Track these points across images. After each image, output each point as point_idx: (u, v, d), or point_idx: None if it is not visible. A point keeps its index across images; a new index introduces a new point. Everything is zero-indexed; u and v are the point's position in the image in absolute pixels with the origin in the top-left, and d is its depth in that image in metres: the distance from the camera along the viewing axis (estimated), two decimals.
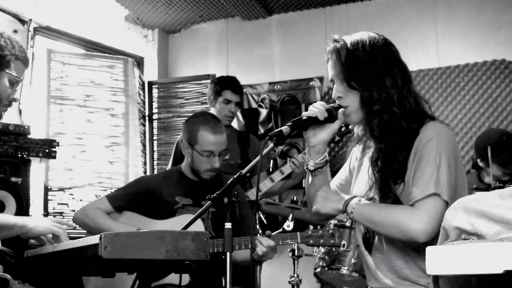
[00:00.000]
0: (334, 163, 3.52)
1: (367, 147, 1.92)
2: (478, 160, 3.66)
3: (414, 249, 1.74)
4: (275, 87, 5.15)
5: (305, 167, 1.90)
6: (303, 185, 3.99)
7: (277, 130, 1.71)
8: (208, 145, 2.84)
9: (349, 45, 1.79)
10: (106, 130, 4.87)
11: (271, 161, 4.42)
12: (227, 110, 3.80)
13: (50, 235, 2.16)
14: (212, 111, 3.84)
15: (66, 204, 4.54)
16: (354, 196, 1.81)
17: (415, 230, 1.63)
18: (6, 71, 2.08)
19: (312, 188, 1.91)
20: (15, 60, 2.10)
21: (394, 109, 1.74)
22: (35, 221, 2.16)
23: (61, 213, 4.49)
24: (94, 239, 1.67)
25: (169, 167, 3.76)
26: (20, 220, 2.13)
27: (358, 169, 1.94)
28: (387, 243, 1.80)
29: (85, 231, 2.89)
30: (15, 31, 4.10)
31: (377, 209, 1.74)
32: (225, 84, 3.84)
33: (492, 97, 4.41)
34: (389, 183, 1.74)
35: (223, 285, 1.88)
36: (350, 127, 1.98)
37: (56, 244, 2.11)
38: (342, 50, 1.79)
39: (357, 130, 1.92)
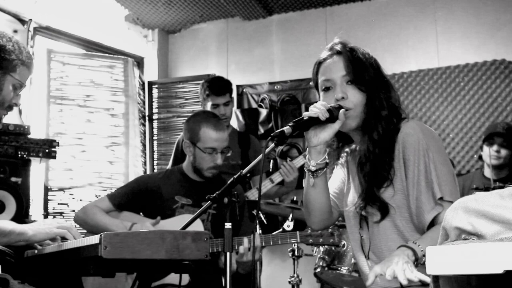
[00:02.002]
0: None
1: (349, 163, 1.97)
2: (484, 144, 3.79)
3: None
4: (275, 87, 5.15)
5: (305, 169, 1.90)
6: (303, 185, 4.01)
7: (278, 130, 1.71)
8: (210, 142, 2.84)
9: (357, 49, 1.86)
10: (106, 130, 4.87)
11: (271, 161, 4.41)
12: (217, 113, 3.76)
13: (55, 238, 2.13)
14: None
15: (66, 204, 4.54)
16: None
17: None
18: (11, 75, 2.07)
19: (313, 190, 1.91)
20: (21, 65, 2.09)
21: (393, 119, 1.81)
22: (36, 228, 2.10)
23: (61, 213, 4.50)
24: (94, 239, 1.67)
25: (169, 167, 3.75)
26: (19, 227, 2.05)
27: (348, 183, 1.97)
28: (383, 246, 1.80)
29: (85, 230, 2.89)
30: (15, 31, 4.10)
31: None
32: (209, 90, 3.77)
33: (492, 97, 4.41)
34: (373, 189, 1.77)
35: (223, 285, 1.88)
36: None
37: (58, 244, 2.10)
38: (354, 52, 1.84)
39: (334, 152, 1.96)
